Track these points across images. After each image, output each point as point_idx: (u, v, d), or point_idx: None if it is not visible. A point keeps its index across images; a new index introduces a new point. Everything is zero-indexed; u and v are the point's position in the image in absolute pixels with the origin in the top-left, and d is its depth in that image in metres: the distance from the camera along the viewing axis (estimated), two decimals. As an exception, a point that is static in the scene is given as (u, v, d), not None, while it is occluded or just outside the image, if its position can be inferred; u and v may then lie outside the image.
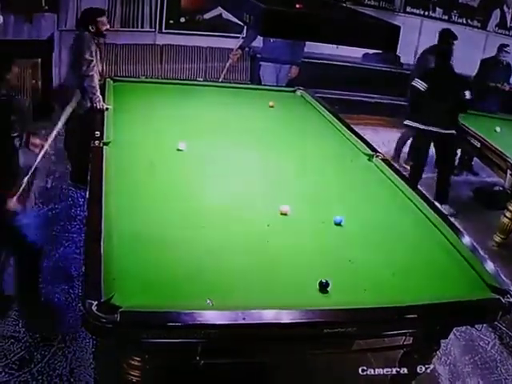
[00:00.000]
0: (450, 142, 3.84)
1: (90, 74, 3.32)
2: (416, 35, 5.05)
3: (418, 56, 4.53)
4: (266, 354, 1.82)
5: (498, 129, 4.07)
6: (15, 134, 2.12)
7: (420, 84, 3.78)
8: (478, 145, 3.83)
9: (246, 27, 4.64)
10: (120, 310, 1.50)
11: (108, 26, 3.42)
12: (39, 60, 4.48)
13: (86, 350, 2.27)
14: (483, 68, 4.65)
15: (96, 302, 1.52)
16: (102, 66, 3.60)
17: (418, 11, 5.67)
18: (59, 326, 2.38)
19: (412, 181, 3.19)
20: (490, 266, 2.01)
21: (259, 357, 1.85)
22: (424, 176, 4.47)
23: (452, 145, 3.91)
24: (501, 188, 4.27)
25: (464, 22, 5.82)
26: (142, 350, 1.66)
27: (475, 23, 5.82)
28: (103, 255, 1.73)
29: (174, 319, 1.55)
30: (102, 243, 1.78)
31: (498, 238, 3.57)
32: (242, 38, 4.85)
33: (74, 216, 3.25)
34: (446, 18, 5.73)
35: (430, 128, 3.76)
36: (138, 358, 1.68)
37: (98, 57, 3.47)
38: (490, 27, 5.82)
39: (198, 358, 1.65)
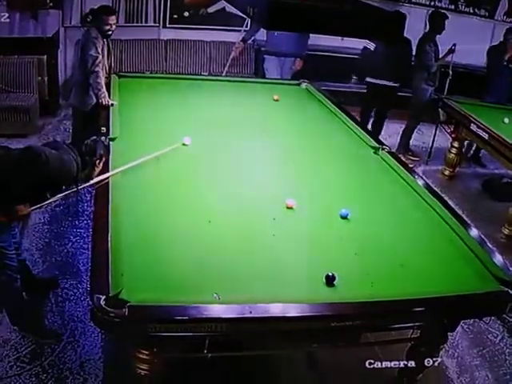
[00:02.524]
0: (392, 93, 4.48)
1: (96, 70, 3.32)
2: (422, 25, 4.96)
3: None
4: (272, 347, 1.83)
5: (506, 120, 4.01)
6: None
7: (370, 45, 4.33)
8: (486, 136, 3.79)
9: (249, 20, 4.61)
10: (128, 304, 1.52)
11: (111, 27, 3.35)
12: (45, 57, 4.49)
13: (95, 343, 2.29)
14: (492, 55, 4.59)
15: (104, 297, 1.53)
16: (111, 63, 3.58)
17: (423, 1, 5.58)
18: (68, 320, 2.41)
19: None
20: (498, 258, 2.00)
21: (266, 350, 1.86)
22: (429, 168, 4.45)
23: (392, 95, 4.51)
24: (509, 180, 4.24)
25: (471, 11, 5.73)
26: (151, 343, 1.68)
27: (482, 12, 5.72)
28: (111, 250, 1.74)
29: (181, 313, 1.57)
30: (109, 238, 1.80)
31: (506, 231, 3.54)
32: (244, 30, 4.82)
33: (82, 211, 3.27)
34: (452, 7, 5.63)
35: (378, 81, 4.41)
36: (146, 352, 1.70)
37: (106, 53, 3.46)
38: (498, 16, 5.71)
39: (205, 351, 1.67)
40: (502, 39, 4.59)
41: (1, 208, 1.98)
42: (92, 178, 2.13)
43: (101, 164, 2.15)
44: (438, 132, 4.52)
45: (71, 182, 2.03)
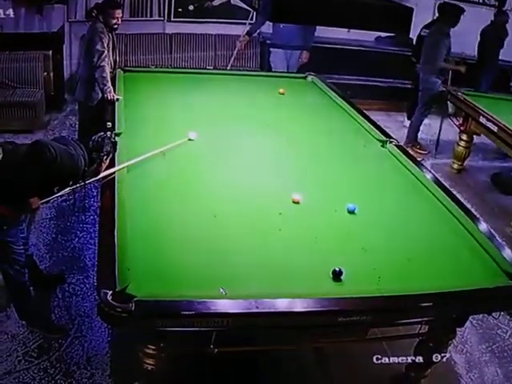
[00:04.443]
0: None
1: (101, 64, 3.31)
2: (430, 16, 4.89)
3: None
4: (279, 342, 1.82)
5: (516, 112, 3.96)
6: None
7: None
8: (496, 129, 3.73)
9: (254, 13, 4.57)
10: (135, 299, 1.52)
11: (118, 21, 3.35)
12: (50, 52, 4.49)
13: (102, 338, 2.31)
14: (489, 37, 4.61)
15: (111, 292, 1.53)
16: (116, 57, 3.57)
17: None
18: (75, 315, 2.42)
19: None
20: (507, 252, 1.97)
21: (272, 345, 1.86)
22: (437, 162, 4.40)
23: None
24: (519, 173, 4.18)
25: (480, 1, 5.64)
26: (157, 338, 1.68)
27: (492, 2, 5.62)
28: (117, 245, 1.74)
29: (187, 308, 1.56)
30: (115, 233, 1.79)
31: (515, 225, 3.50)
32: (249, 23, 4.78)
33: (88, 207, 3.27)
34: (462, -3, 5.54)
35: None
36: (152, 347, 1.70)
37: (111, 47, 3.45)
38: (509, 6, 5.61)
39: (212, 346, 1.66)
40: (492, 19, 4.72)
41: (10, 202, 1.98)
42: (99, 174, 2.13)
43: (108, 160, 2.15)
44: (446, 125, 4.47)
45: (79, 177, 2.04)
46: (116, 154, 2.31)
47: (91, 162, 2.06)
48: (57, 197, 2.13)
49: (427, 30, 4.55)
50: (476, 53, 4.89)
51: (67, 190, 2.09)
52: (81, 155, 2.00)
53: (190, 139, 2.67)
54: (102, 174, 2.15)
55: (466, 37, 4.41)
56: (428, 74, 4.45)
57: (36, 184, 1.95)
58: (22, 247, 2.17)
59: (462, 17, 4.31)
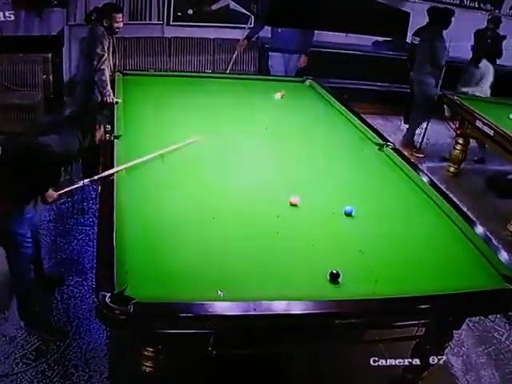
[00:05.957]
0: None
1: (101, 67, 3.32)
2: (425, 21, 4.93)
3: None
4: (277, 345, 1.83)
5: (512, 116, 3.99)
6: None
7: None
8: (492, 133, 3.76)
9: (253, 17, 4.60)
10: (133, 301, 1.52)
11: (119, 25, 3.38)
12: (50, 55, 4.50)
13: (100, 341, 2.31)
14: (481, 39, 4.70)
15: (109, 294, 1.54)
16: (115, 60, 3.59)
17: (428, -4, 5.54)
18: (73, 317, 2.43)
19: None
20: (503, 255, 1.99)
21: (270, 348, 1.86)
22: (433, 165, 4.43)
23: None
24: (514, 177, 4.21)
25: (476, 6, 5.68)
26: (155, 340, 1.69)
27: (488, 7, 5.67)
28: (116, 247, 1.75)
29: (186, 310, 1.57)
30: (114, 236, 1.80)
31: (511, 228, 3.52)
32: (248, 28, 4.81)
33: (87, 209, 3.28)
34: (457, 2, 5.58)
35: None
36: (151, 349, 1.71)
37: (111, 51, 3.46)
38: (504, 11, 5.66)
39: (210, 348, 1.67)
40: (486, 24, 4.82)
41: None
42: (95, 143, 2.22)
43: (101, 129, 2.22)
44: (441, 128, 4.51)
45: (77, 156, 2.13)
46: (115, 156, 2.33)
47: (85, 134, 2.16)
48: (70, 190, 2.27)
49: (417, 38, 4.60)
50: (469, 57, 4.93)
51: (72, 187, 2.23)
52: (75, 135, 2.09)
53: (189, 142, 2.69)
54: (101, 175, 2.17)
55: (459, 41, 4.46)
56: (423, 76, 4.49)
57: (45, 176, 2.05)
58: (30, 240, 2.17)
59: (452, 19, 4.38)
